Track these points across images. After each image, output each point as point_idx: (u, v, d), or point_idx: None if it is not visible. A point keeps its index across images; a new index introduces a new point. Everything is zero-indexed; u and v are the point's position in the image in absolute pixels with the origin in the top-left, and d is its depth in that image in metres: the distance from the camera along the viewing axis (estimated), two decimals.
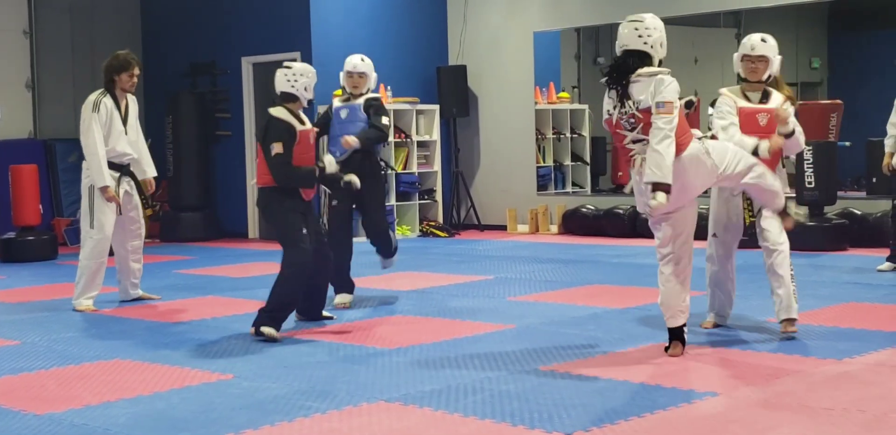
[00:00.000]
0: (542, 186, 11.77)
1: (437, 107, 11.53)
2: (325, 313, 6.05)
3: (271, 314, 5.50)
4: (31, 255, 9.67)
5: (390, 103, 11.03)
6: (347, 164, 6.20)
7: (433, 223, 11.40)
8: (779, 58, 5.17)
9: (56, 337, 5.77)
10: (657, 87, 4.50)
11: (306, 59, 10.79)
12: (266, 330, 5.44)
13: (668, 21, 4.98)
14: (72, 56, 11.90)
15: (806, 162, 8.83)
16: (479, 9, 11.82)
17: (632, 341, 5.13)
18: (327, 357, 5.00)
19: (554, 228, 11.14)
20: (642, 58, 4.57)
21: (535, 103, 11.64)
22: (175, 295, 7.21)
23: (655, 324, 5.58)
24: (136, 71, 6.65)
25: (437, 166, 11.56)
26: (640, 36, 4.56)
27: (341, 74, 6.55)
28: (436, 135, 11.54)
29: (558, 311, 6.15)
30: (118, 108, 6.62)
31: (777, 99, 5.17)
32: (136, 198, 6.82)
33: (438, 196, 11.60)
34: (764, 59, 5.12)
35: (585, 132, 12.20)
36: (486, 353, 4.97)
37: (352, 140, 6.23)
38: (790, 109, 5.02)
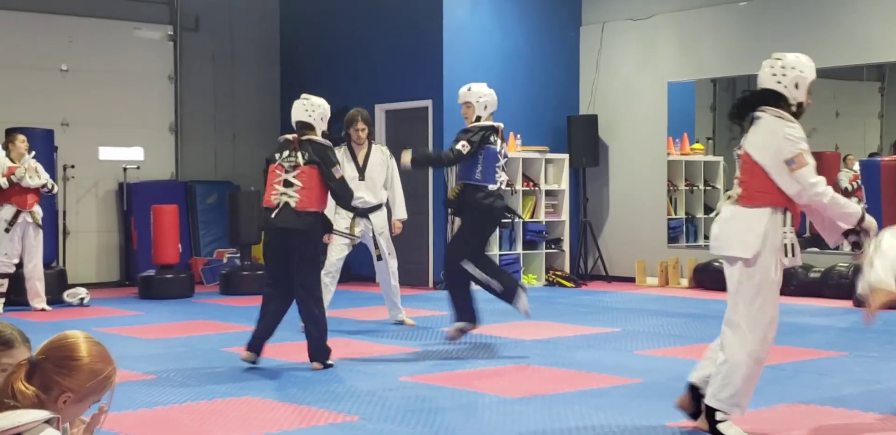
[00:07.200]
0: (672, 238, 11.57)
1: (566, 156, 11.52)
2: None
3: (323, 344, 5.98)
4: (169, 292, 9.99)
5: (519, 152, 11.07)
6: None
7: (559, 273, 11.32)
8: None
9: (190, 373, 5.93)
10: (779, 144, 4.07)
11: (437, 107, 10.97)
12: (329, 362, 5.96)
13: None
14: (213, 101, 12.40)
15: None
16: (612, 58, 11.81)
17: (763, 401, 4.94)
18: (450, 403, 4.99)
19: (684, 282, 10.90)
20: (769, 97, 4.17)
21: (668, 154, 11.51)
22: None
23: (789, 384, 5.38)
24: (361, 125, 7.62)
25: (564, 216, 11.51)
26: (773, 75, 4.20)
27: None
28: (564, 184, 11.50)
29: (687, 366, 5.93)
30: (354, 157, 7.59)
31: None
32: (372, 237, 7.54)
33: (566, 245, 11.53)
34: None
35: (720, 184, 11.96)
36: (612, 406, 4.88)
37: (405, 157, 6.53)
38: None
